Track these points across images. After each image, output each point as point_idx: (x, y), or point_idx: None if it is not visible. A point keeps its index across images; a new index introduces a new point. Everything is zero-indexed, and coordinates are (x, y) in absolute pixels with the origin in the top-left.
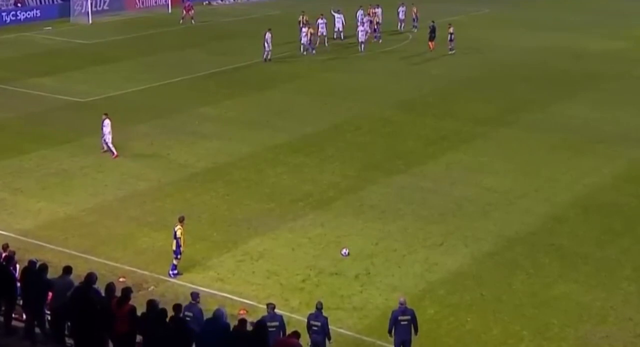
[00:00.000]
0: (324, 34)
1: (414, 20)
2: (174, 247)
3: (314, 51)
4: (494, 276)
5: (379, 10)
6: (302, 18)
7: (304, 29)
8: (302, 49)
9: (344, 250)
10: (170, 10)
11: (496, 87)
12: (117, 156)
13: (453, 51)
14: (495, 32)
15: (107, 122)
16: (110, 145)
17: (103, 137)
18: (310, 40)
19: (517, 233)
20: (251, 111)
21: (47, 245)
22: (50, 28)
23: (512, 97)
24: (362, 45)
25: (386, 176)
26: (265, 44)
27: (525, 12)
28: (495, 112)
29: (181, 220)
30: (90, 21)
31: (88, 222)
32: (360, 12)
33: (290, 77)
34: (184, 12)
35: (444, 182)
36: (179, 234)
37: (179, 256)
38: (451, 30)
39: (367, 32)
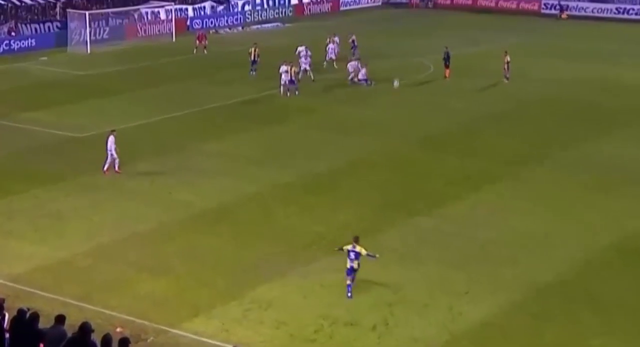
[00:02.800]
0: (307, 68)
1: (352, 48)
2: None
3: (297, 92)
4: (523, 327)
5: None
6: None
7: (283, 67)
8: (281, 91)
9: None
10: (174, 39)
11: (525, 122)
12: (107, 172)
13: (508, 81)
14: (523, 62)
15: (111, 138)
16: (116, 159)
17: (111, 154)
18: (292, 79)
19: (549, 281)
20: (260, 147)
21: (39, 292)
22: (45, 58)
23: (542, 133)
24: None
25: (406, 218)
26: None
27: (555, 40)
28: (524, 149)
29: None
30: (89, 51)
31: (83, 266)
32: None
33: (301, 111)
34: (197, 41)
35: (468, 225)
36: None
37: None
38: (507, 58)
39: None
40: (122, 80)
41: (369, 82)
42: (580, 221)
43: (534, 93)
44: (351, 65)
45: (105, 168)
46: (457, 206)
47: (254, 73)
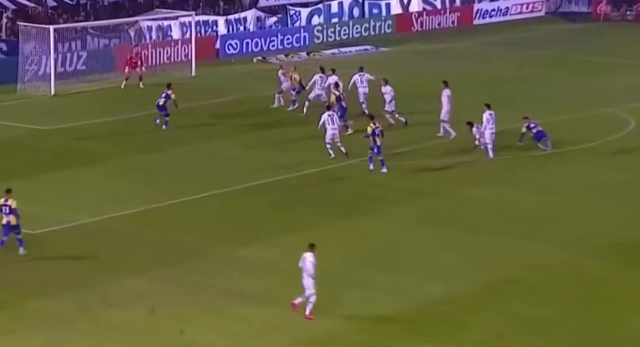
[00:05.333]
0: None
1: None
2: None
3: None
4: None
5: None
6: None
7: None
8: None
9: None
10: (194, 71)
11: None
12: None
13: None
14: None
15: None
16: None
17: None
18: (378, 145)
19: None
20: (330, 254)
21: None
22: None
23: None
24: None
25: None
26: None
27: None
28: None
29: None
30: (53, 91)
31: None
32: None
33: (401, 195)
34: (127, 67)
35: None
36: None
37: None
38: None
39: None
40: (103, 140)
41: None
42: None
43: None
44: (476, 130)
45: None
46: None
47: (302, 110)
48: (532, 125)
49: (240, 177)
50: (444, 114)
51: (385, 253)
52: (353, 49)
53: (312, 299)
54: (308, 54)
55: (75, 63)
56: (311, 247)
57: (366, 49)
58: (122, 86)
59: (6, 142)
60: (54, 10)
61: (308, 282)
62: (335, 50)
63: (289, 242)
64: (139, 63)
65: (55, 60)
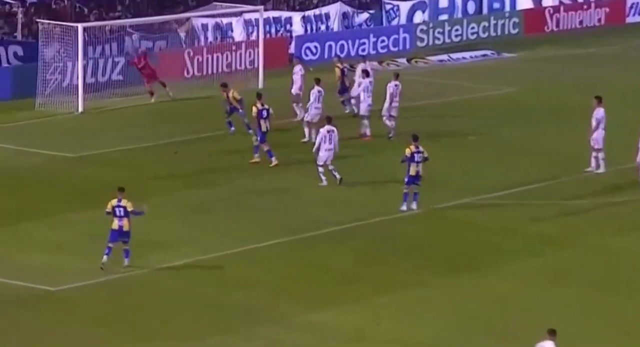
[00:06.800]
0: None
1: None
2: None
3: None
4: None
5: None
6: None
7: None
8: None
9: None
10: (261, 82)
11: None
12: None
13: None
14: None
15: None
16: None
17: None
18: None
19: None
20: (436, 323)
21: None
22: None
23: None
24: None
25: None
26: None
27: None
28: None
29: None
30: (81, 107)
31: None
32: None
33: (530, 243)
34: (146, 81)
35: None
36: None
37: None
38: None
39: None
40: (148, 170)
41: None
42: None
43: None
44: None
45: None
46: None
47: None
48: None
49: (316, 220)
50: (597, 140)
51: (510, 322)
52: (467, 54)
53: None
54: (409, 60)
55: (109, 72)
56: (551, 334)
57: (485, 55)
58: (153, 101)
59: (21, 172)
60: (83, 4)
61: None
62: (444, 57)
63: (380, 305)
64: (146, 65)
65: (84, 68)
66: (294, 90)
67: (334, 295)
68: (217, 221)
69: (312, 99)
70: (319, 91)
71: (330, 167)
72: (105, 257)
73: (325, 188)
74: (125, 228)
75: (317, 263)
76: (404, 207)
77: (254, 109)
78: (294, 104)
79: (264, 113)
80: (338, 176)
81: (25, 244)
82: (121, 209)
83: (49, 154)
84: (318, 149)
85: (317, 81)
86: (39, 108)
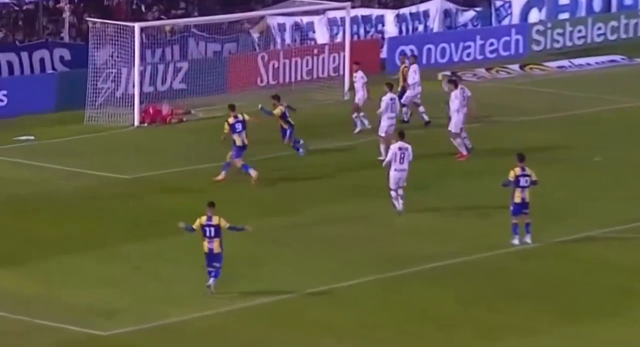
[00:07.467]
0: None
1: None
2: None
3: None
4: None
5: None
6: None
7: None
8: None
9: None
10: (346, 93)
11: None
12: None
13: None
14: None
15: None
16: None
17: None
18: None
19: None
20: None
21: None
22: (31, 137)
23: None
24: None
25: None
26: None
27: None
28: None
29: None
30: (138, 120)
31: None
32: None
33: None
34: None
35: None
36: None
37: None
38: None
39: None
40: (215, 193)
41: None
42: None
43: None
44: None
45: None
46: None
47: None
48: None
49: (411, 255)
50: None
51: None
52: (593, 60)
53: None
54: (522, 67)
55: (170, 79)
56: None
57: (613, 61)
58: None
59: (67, 196)
60: (140, 0)
61: None
62: (565, 63)
63: None
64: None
65: (142, 74)
66: (356, 99)
67: (431, 344)
68: (294, 254)
69: (382, 107)
70: (391, 99)
71: (400, 192)
72: (210, 279)
73: (415, 216)
74: (216, 250)
75: (410, 306)
76: (516, 241)
77: (225, 125)
78: (354, 115)
79: (238, 126)
80: (400, 207)
81: (71, 281)
82: (212, 228)
83: (99, 176)
84: (388, 169)
85: (390, 87)
86: (88, 121)
